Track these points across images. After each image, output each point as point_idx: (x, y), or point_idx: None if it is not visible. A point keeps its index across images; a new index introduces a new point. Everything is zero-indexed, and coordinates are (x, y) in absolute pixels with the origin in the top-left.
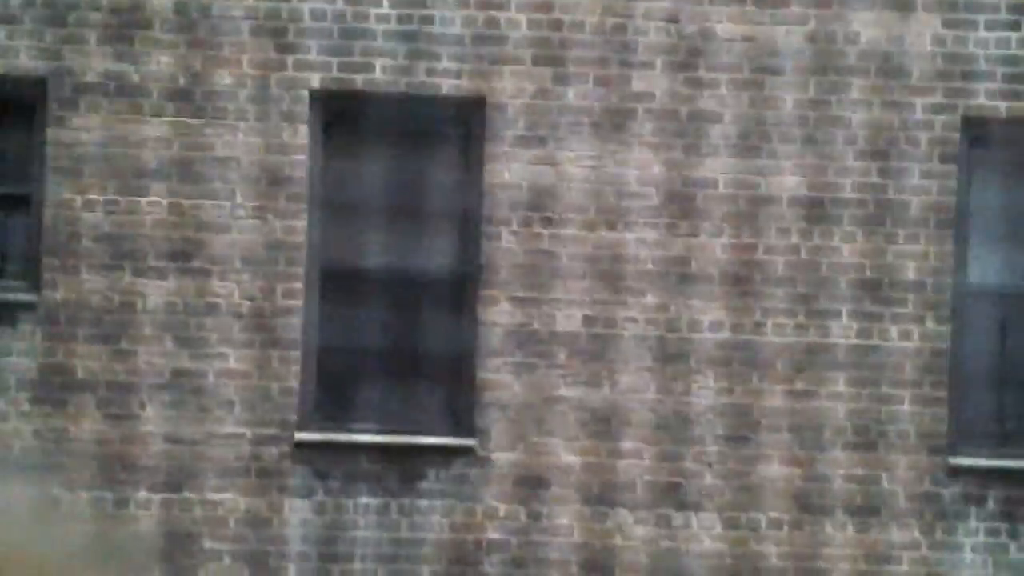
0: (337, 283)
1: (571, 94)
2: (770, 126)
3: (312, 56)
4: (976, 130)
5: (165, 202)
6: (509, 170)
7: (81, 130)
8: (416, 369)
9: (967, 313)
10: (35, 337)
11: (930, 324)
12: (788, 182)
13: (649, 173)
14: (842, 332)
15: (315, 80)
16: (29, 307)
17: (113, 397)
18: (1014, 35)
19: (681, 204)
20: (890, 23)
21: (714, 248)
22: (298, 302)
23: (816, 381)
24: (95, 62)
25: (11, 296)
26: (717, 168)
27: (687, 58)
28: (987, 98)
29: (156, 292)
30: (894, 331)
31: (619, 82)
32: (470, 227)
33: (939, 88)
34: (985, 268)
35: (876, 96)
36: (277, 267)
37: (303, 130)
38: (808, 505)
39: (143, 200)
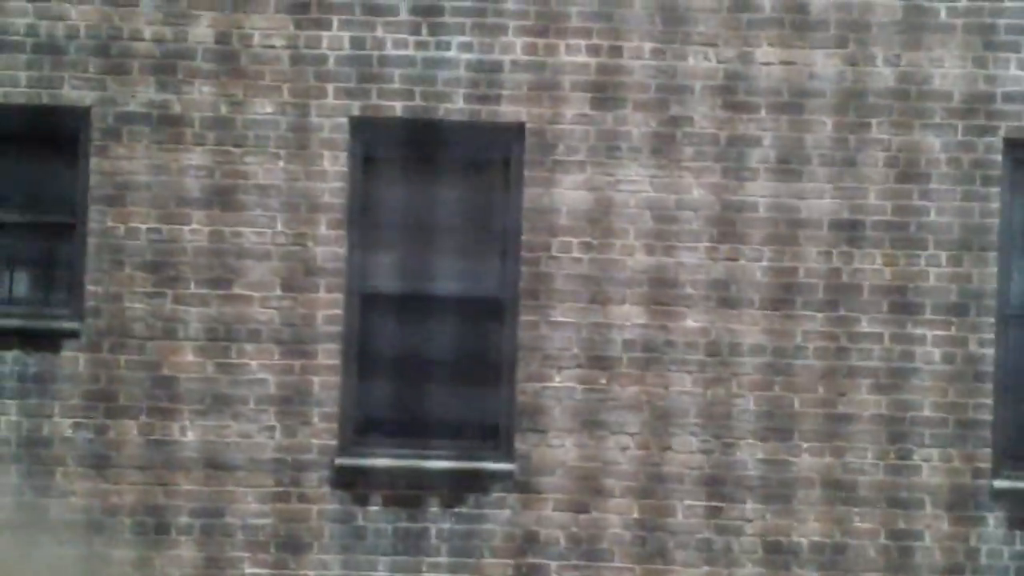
0: (377, 308)
1: (610, 119)
2: (809, 149)
3: (352, 84)
4: (1019, 152)
5: (206, 230)
6: (549, 195)
7: (123, 159)
8: (457, 393)
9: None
10: (78, 363)
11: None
12: (827, 205)
13: (690, 197)
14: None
15: (355, 108)
16: (73, 334)
17: (155, 423)
18: None
19: (722, 227)
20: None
21: (755, 271)
22: (338, 328)
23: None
24: (138, 92)
25: (56, 324)
26: (757, 191)
27: (726, 82)
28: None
29: (198, 318)
30: (937, 354)
31: (658, 107)
32: (510, 251)
33: (980, 111)
34: None
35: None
36: (318, 293)
37: (343, 157)
38: (842, 521)
39: (185, 228)
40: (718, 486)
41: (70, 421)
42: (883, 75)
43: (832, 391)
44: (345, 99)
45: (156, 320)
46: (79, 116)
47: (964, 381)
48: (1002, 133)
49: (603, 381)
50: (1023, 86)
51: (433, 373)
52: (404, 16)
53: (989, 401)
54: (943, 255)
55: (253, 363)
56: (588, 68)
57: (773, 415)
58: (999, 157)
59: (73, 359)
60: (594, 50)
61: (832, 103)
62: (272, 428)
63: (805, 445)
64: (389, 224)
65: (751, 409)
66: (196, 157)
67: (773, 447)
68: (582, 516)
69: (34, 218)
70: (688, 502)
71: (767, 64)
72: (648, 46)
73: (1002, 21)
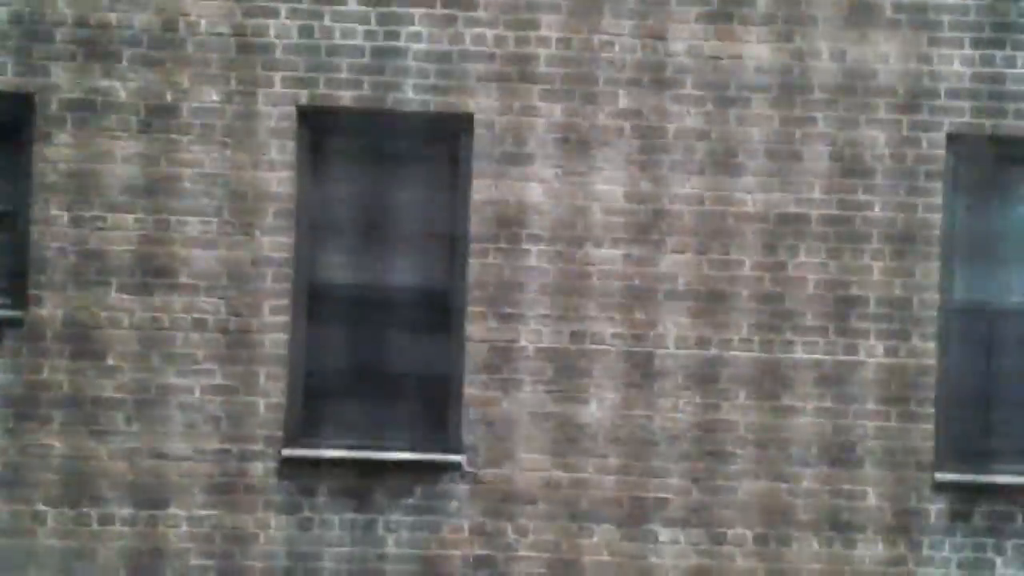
0: (324, 300)
1: (557, 111)
2: (755, 143)
3: (300, 73)
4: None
5: (151, 219)
6: (495, 187)
7: (67, 147)
8: (403, 386)
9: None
10: (21, 354)
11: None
12: (770, 199)
13: (634, 191)
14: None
15: (302, 97)
16: (15, 323)
17: (99, 413)
18: (998, 53)
19: (666, 223)
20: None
21: (696, 265)
22: (285, 318)
23: (800, 397)
24: (82, 79)
25: None
26: (698, 186)
27: (671, 75)
28: (972, 116)
29: (142, 308)
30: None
31: (605, 100)
32: (456, 245)
33: (924, 106)
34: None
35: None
36: (264, 284)
37: (290, 147)
38: (792, 521)
39: (130, 217)
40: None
41: (12, 411)
42: (828, 69)
43: (773, 386)
44: (293, 88)
45: (100, 310)
46: (22, 103)
47: (906, 376)
48: (945, 128)
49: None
50: (966, 82)
51: (382, 365)
52: (353, 6)
53: (932, 395)
54: (887, 250)
55: (199, 353)
56: (536, 59)
57: (719, 422)
58: (942, 152)
59: (16, 348)
60: (543, 42)
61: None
62: (218, 419)
63: (749, 437)
64: (337, 215)
65: (695, 402)
66: (138, 145)
67: (709, 446)
68: (528, 507)
69: None
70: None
71: (715, 58)
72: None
73: (946, 17)
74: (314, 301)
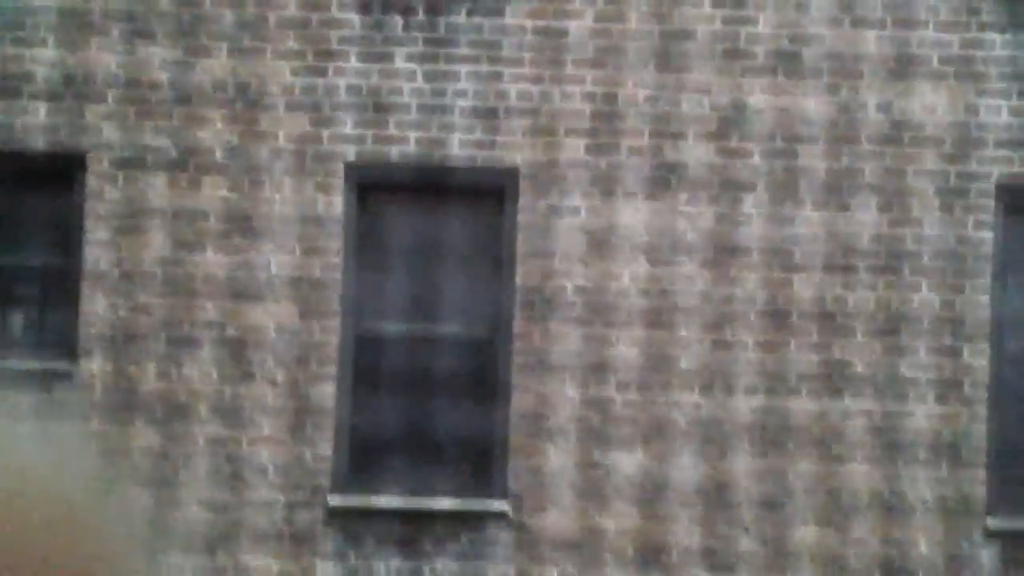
0: (371, 351)
1: (603, 164)
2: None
3: (347, 130)
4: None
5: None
6: (542, 237)
7: (121, 203)
8: (449, 435)
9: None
10: (70, 405)
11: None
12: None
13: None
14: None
15: (351, 153)
16: (66, 376)
17: (155, 464)
18: None
19: (722, 255)
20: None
21: (752, 300)
22: (332, 369)
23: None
24: (135, 137)
25: (49, 366)
26: (751, 231)
27: (720, 127)
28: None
29: (192, 363)
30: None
31: (655, 151)
32: (502, 293)
33: (972, 156)
34: None
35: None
36: (311, 336)
37: (338, 200)
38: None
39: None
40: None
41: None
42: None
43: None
44: (341, 144)
45: (154, 363)
46: (75, 160)
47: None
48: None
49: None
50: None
51: (427, 414)
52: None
53: (984, 445)
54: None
55: (246, 404)
56: (582, 114)
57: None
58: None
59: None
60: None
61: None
62: (265, 470)
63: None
64: (385, 267)
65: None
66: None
67: (759, 497)
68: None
69: None
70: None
71: (767, 110)
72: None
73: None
74: (361, 354)
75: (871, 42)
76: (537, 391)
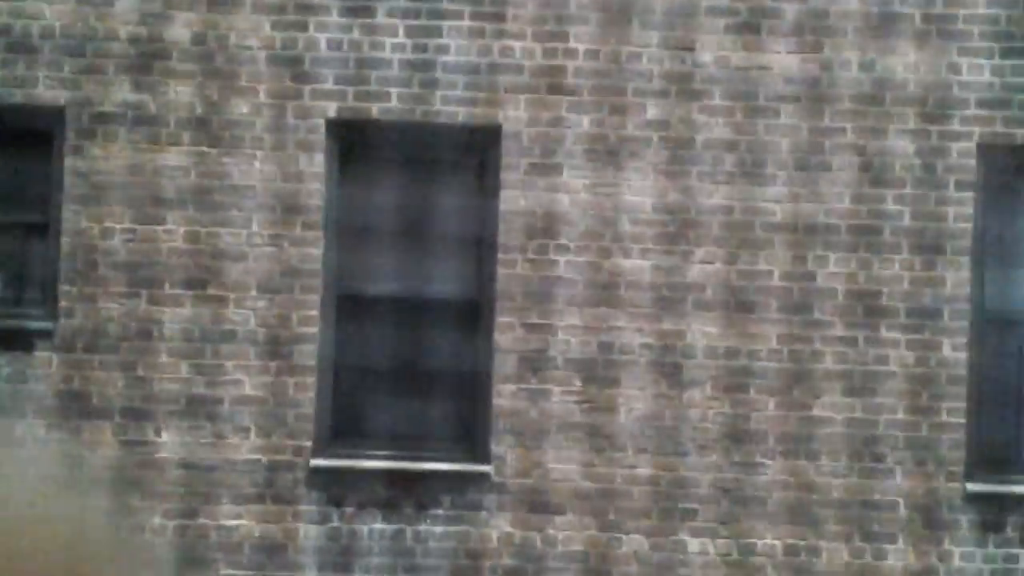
0: (353, 309)
1: (585, 122)
2: (785, 154)
3: (328, 85)
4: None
5: (182, 230)
6: (524, 197)
7: (99, 159)
8: (431, 395)
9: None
10: (52, 363)
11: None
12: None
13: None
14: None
15: (331, 109)
16: (46, 334)
17: (129, 424)
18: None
19: (691, 230)
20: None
21: (729, 274)
22: (314, 329)
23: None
24: (113, 92)
25: (29, 323)
26: (725, 195)
27: (698, 86)
28: (1003, 125)
29: (172, 319)
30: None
31: (633, 110)
32: (484, 253)
33: (955, 116)
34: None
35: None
36: (293, 294)
37: (319, 158)
38: (814, 520)
39: (160, 228)
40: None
41: (44, 422)
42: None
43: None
44: (322, 100)
45: (131, 320)
46: (54, 115)
47: (935, 384)
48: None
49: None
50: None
51: (410, 375)
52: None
53: (962, 404)
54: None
55: (228, 363)
56: (564, 71)
57: (743, 424)
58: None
59: (47, 359)
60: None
61: None
62: (247, 429)
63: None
64: (365, 226)
65: (725, 411)
66: (172, 157)
67: (738, 457)
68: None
69: None
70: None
71: (744, 68)
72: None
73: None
74: (343, 310)
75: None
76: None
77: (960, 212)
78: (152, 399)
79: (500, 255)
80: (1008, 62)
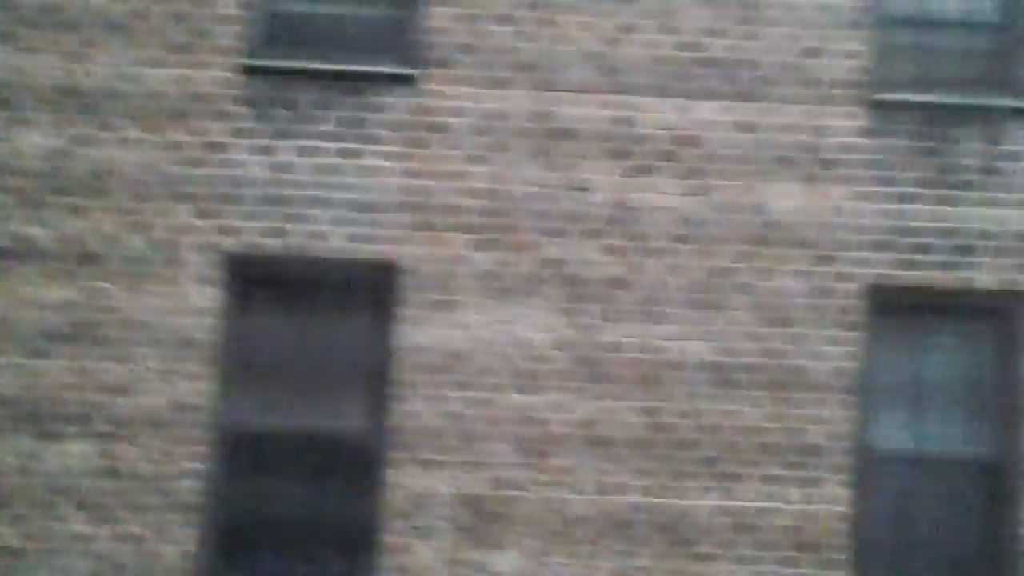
0: (243, 447)
1: (482, 259)
2: (680, 292)
3: (227, 220)
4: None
5: (70, 364)
6: (420, 333)
7: None
8: (322, 534)
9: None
10: None
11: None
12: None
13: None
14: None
15: (229, 243)
16: None
17: (9, 563)
18: (913, 207)
19: (586, 367)
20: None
21: (622, 411)
22: (200, 466)
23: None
24: (9, 225)
25: None
26: (624, 333)
27: (600, 225)
28: (891, 267)
29: (56, 456)
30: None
31: (531, 247)
32: (381, 390)
33: (843, 257)
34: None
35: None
36: (181, 430)
37: (214, 292)
38: None
39: (45, 362)
40: None
41: None
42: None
43: (690, 534)
44: (220, 234)
45: (13, 458)
46: None
47: (820, 523)
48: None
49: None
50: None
51: (301, 513)
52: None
53: (846, 543)
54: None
55: (112, 501)
56: (461, 209)
57: (647, 573)
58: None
59: None
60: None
61: None
62: (123, 567)
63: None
64: (259, 361)
65: (621, 551)
66: (62, 291)
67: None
68: None
69: None
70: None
71: (637, 208)
72: None
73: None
74: (230, 447)
75: (746, 142)
76: (411, 487)
77: (845, 351)
78: (32, 538)
79: (396, 391)
80: (893, 206)
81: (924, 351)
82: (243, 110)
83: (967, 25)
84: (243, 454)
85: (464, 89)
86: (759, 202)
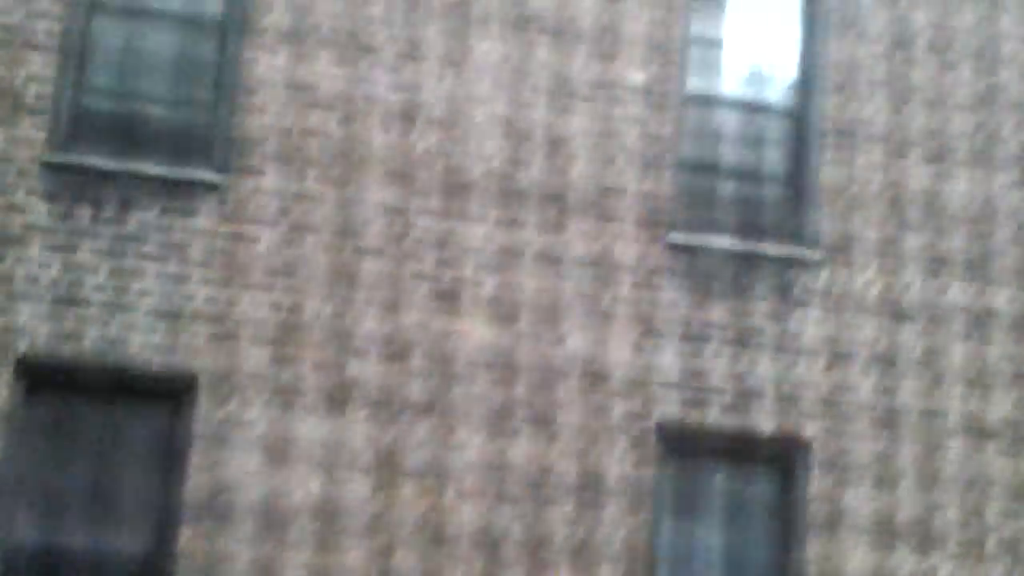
0: (18, 566)
1: (283, 374)
2: (477, 418)
3: (23, 319)
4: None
5: None
6: (214, 449)
7: None
8: None
9: None
10: None
11: None
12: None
13: None
14: None
15: (23, 347)
16: None
17: None
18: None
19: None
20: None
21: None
22: None
23: None
24: None
25: None
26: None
27: (400, 348)
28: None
29: None
30: None
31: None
32: (166, 516)
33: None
34: None
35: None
36: None
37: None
38: None
39: None
40: None
41: None
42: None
43: None
44: (13, 336)
45: None
46: None
47: None
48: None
49: None
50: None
51: None
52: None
53: None
54: None
55: None
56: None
57: None
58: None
59: None
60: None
61: None
62: None
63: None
64: (41, 478)
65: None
66: None
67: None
68: None
69: None
70: None
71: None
72: None
73: None
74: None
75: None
76: None
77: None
78: None
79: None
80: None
81: None
82: (43, 205)
83: (758, 176)
84: (25, 569)
85: (271, 199)
86: (557, 337)
